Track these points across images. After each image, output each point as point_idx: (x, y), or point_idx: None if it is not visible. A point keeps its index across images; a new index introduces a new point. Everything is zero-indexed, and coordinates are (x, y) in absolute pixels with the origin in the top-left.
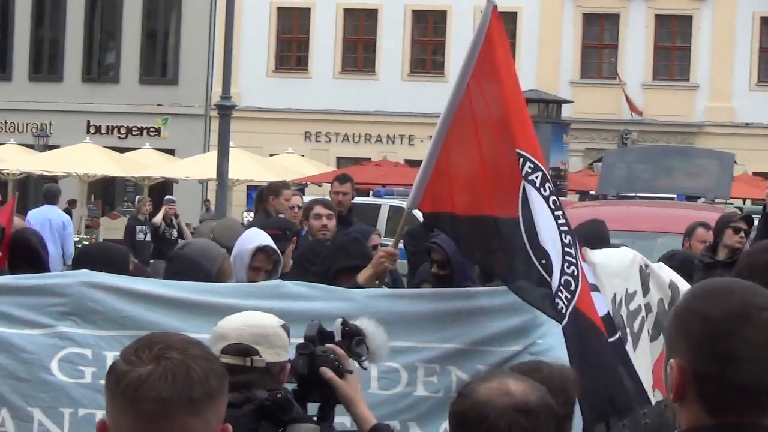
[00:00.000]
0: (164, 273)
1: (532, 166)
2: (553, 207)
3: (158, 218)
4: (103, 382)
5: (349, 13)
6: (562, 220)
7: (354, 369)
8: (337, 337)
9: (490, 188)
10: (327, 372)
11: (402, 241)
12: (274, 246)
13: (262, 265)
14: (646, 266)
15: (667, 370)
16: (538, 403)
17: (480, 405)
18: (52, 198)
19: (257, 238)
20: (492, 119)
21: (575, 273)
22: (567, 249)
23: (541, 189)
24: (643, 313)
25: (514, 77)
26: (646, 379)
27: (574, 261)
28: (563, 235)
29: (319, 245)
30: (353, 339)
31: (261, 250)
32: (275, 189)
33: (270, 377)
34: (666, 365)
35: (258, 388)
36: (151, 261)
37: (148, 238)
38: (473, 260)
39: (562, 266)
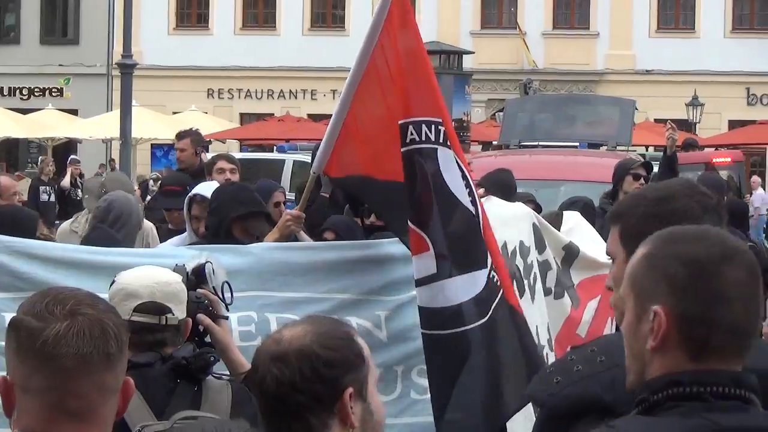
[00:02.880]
0: None
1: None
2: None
3: (66, 181)
4: (3, 343)
5: None
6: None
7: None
8: (211, 283)
9: (395, 153)
10: (205, 319)
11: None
12: (203, 194)
13: (198, 214)
14: (539, 223)
15: (646, 318)
16: (296, 350)
17: (256, 353)
18: None
19: (195, 189)
20: (395, 84)
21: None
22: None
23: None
24: (537, 269)
25: (420, 44)
26: (543, 334)
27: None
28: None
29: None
30: (221, 284)
31: (192, 199)
32: None
33: (180, 335)
34: (642, 313)
35: (170, 346)
36: (56, 222)
37: (53, 198)
38: (386, 222)
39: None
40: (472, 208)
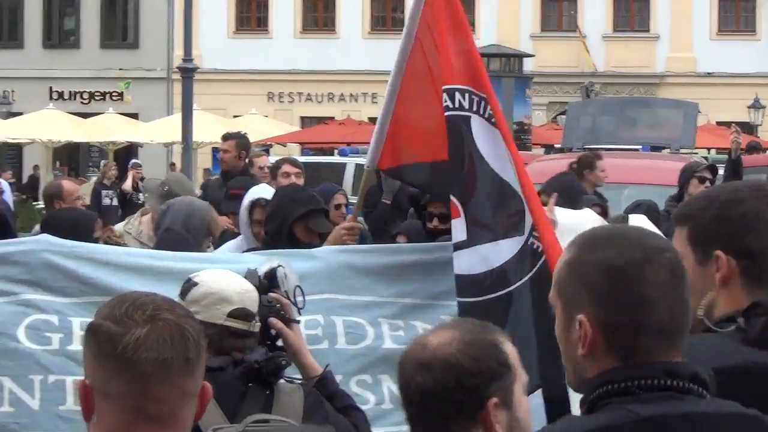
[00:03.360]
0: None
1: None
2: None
3: (127, 185)
4: (71, 348)
5: None
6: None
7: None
8: (283, 287)
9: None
10: (277, 323)
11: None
12: (267, 197)
13: (262, 218)
14: None
15: (574, 327)
16: (440, 360)
17: (402, 358)
18: None
19: (252, 193)
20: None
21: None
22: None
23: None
24: None
25: (462, 23)
26: None
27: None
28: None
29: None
30: (293, 288)
31: (255, 203)
32: (589, 162)
33: (256, 341)
34: (569, 322)
35: (250, 351)
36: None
37: (115, 202)
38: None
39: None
40: (511, 178)
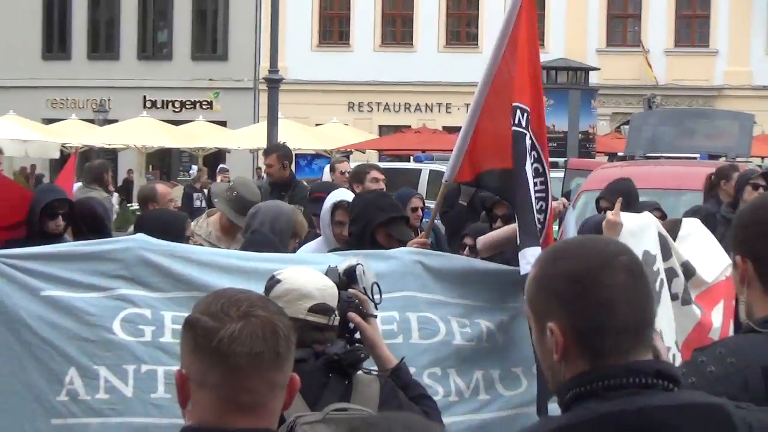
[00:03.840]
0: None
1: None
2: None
3: None
4: (162, 340)
5: None
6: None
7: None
8: (361, 284)
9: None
10: (355, 317)
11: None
12: (350, 200)
13: (343, 219)
14: (663, 232)
15: (547, 335)
16: None
17: None
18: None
19: (334, 196)
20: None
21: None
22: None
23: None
24: (663, 276)
25: (535, 47)
26: (669, 337)
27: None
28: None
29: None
30: (371, 284)
31: (337, 205)
32: (726, 173)
33: (336, 334)
34: (542, 331)
35: (330, 344)
36: None
37: (204, 204)
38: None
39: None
40: (531, 196)
